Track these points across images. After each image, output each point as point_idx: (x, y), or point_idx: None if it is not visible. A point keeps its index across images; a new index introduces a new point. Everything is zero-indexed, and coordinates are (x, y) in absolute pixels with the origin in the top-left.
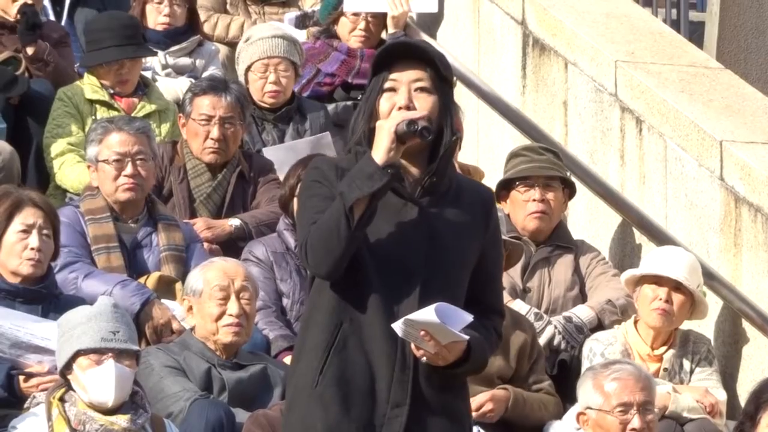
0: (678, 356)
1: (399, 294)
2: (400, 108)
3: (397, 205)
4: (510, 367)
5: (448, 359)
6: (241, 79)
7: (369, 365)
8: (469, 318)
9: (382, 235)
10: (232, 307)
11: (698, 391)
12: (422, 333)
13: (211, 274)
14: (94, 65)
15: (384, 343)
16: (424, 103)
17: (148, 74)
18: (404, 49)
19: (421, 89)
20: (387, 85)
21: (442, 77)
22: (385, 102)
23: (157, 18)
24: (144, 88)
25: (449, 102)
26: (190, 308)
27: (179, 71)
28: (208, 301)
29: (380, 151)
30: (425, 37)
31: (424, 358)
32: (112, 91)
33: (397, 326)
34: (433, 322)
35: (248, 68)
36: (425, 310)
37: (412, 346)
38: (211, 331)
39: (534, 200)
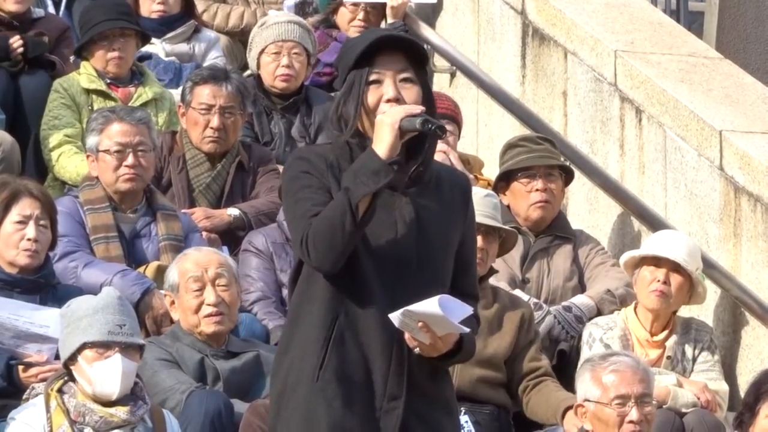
0: (680, 343)
1: (393, 285)
2: (388, 100)
3: (385, 196)
4: (507, 347)
5: (442, 350)
6: (253, 64)
7: (365, 358)
8: (469, 310)
9: (375, 227)
10: (209, 296)
11: (698, 385)
12: (420, 324)
13: (184, 267)
14: (86, 40)
15: (379, 336)
16: (411, 94)
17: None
18: (383, 42)
19: (406, 80)
20: (372, 77)
21: (421, 66)
22: (371, 95)
23: (151, 6)
24: (140, 77)
25: (430, 90)
26: (173, 303)
27: (180, 59)
28: (185, 294)
29: (384, 146)
30: (425, 28)
31: (418, 350)
32: (108, 81)
33: (395, 316)
34: (436, 314)
35: (261, 51)
36: (428, 301)
37: (407, 336)
38: (193, 324)
39: (537, 190)
